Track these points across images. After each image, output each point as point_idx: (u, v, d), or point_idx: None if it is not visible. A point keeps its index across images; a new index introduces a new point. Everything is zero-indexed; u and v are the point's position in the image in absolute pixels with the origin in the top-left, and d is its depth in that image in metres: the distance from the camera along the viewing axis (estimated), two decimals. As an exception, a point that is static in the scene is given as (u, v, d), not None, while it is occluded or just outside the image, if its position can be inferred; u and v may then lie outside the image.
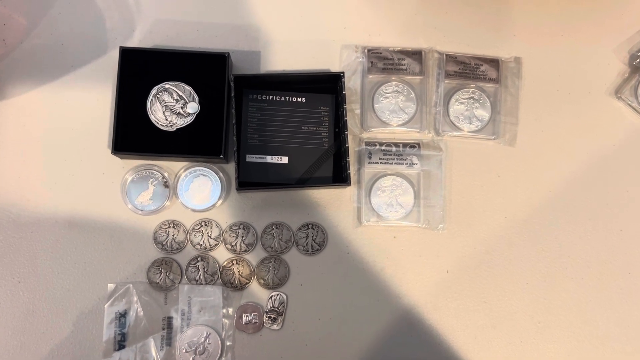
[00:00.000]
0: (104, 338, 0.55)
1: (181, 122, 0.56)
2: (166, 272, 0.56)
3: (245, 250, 0.57)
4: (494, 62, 0.62)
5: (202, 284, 0.57)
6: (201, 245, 0.57)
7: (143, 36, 0.61)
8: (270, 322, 0.57)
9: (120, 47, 0.57)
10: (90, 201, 0.57)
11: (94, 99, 0.59)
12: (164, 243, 0.57)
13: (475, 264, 0.59)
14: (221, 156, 0.55)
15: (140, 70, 0.57)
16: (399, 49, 0.61)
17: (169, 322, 0.56)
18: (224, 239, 0.57)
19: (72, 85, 0.59)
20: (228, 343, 0.56)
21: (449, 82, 0.61)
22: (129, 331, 0.56)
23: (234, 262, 0.57)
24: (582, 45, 0.64)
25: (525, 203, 0.61)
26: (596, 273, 0.60)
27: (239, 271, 0.57)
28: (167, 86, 0.57)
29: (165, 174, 0.57)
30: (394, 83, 0.60)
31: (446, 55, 0.61)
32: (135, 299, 0.56)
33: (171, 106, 0.56)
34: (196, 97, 0.57)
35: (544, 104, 0.63)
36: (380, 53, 0.61)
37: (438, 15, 0.63)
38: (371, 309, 0.58)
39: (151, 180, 0.57)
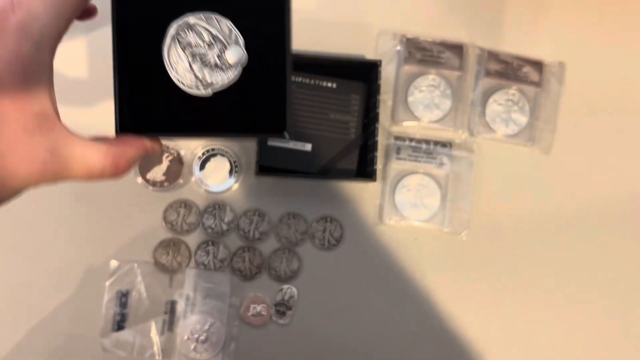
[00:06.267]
0: (103, 317, 0.52)
1: (219, 80, 0.34)
2: (174, 254, 0.53)
3: (259, 239, 0.54)
4: (537, 65, 0.58)
5: (210, 269, 0.54)
6: (213, 229, 0.54)
7: None
8: (278, 315, 0.54)
9: None
10: (99, 172, 0.54)
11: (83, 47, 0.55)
12: (174, 223, 0.54)
13: (497, 275, 0.57)
14: (285, 134, 0.34)
15: None
16: (439, 40, 0.57)
17: (172, 307, 0.53)
18: (238, 224, 0.54)
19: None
20: (232, 334, 0.53)
21: (488, 80, 0.58)
22: (130, 312, 0.53)
23: (246, 249, 0.54)
24: (629, 55, 0.60)
25: (555, 216, 0.58)
26: (623, 297, 0.57)
27: (250, 259, 0.54)
28: (192, 21, 0.34)
29: (182, 151, 0.54)
30: (430, 76, 0.57)
31: (488, 52, 0.58)
32: (139, 279, 0.53)
33: (201, 54, 0.34)
34: (240, 38, 0.34)
35: (584, 113, 0.59)
36: (420, 43, 0.57)
37: (483, 9, 0.59)
38: (385, 311, 0.55)
39: (166, 155, 0.54)
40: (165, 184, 0.53)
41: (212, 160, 0.54)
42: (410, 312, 0.55)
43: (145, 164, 0.54)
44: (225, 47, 0.34)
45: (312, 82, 0.55)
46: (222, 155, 0.54)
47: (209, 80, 0.34)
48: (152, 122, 0.35)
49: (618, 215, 0.58)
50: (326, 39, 0.57)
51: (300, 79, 0.55)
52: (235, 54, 0.34)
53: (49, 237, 0.53)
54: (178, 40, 0.34)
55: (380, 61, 0.53)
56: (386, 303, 0.55)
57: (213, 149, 0.54)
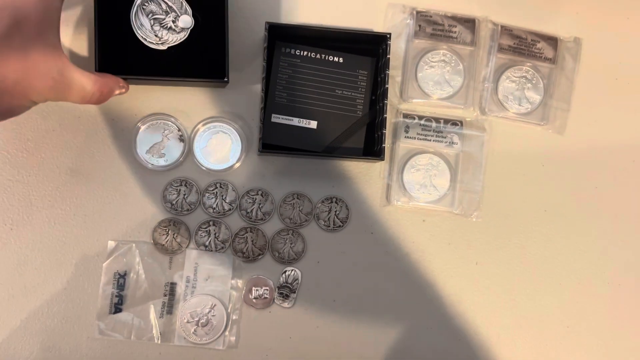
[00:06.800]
0: (100, 299, 0.51)
1: (173, 39, 0.48)
2: (173, 234, 0.51)
3: (262, 219, 0.52)
4: (552, 40, 0.56)
5: (211, 250, 0.52)
6: (214, 208, 0.52)
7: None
8: (281, 299, 0.52)
9: None
10: (96, 148, 0.51)
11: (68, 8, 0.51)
12: (174, 202, 0.52)
13: (508, 258, 0.55)
14: (225, 79, 0.48)
15: None
16: (450, 14, 0.55)
17: (171, 289, 0.51)
18: (240, 204, 0.52)
19: None
20: (234, 317, 0.52)
21: (501, 56, 0.55)
22: (128, 294, 0.51)
23: (248, 230, 0.52)
24: (648, 31, 0.58)
25: (568, 198, 0.56)
26: (636, 281, 0.55)
27: (252, 241, 0.52)
28: None
29: (182, 127, 0.52)
30: (441, 52, 0.54)
31: (501, 26, 0.55)
32: (137, 260, 0.51)
33: (160, 19, 0.47)
34: (189, 10, 0.48)
35: (599, 92, 0.57)
36: (430, 17, 0.54)
37: (497, -18, 0.57)
38: (391, 295, 0.53)
39: (165, 132, 0.52)
40: (164, 161, 0.51)
41: (214, 137, 0.52)
42: (418, 296, 0.54)
43: (144, 140, 0.51)
44: (178, 15, 0.47)
45: (318, 56, 0.53)
46: (224, 132, 0.52)
47: (165, 38, 0.48)
48: (122, 67, 0.47)
49: (634, 198, 0.56)
50: (332, 11, 0.54)
51: (305, 53, 0.53)
52: (185, 21, 0.47)
53: (44, 215, 0.51)
54: (143, 8, 0.47)
55: (389, 34, 0.51)
56: (393, 286, 0.53)
57: (214, 126, 0.52)
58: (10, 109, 0.36)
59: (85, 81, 0.39)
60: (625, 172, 0.56)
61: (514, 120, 0.55)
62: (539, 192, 0.55)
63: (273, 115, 0.52)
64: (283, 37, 0.53)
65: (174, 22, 0.47)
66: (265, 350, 0.52)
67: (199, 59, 0.49)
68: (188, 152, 0.52)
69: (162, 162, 0.51)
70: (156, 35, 0.47)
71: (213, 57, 0.49)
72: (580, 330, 0.55)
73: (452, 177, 0.54)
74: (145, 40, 0.47)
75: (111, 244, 0.51)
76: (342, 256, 0.53)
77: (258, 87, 0.52)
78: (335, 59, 0.53)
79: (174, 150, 0.52)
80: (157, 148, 0.51)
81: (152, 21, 0.47)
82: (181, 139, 0.52)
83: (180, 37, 0.48)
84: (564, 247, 0.55)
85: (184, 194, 0.52)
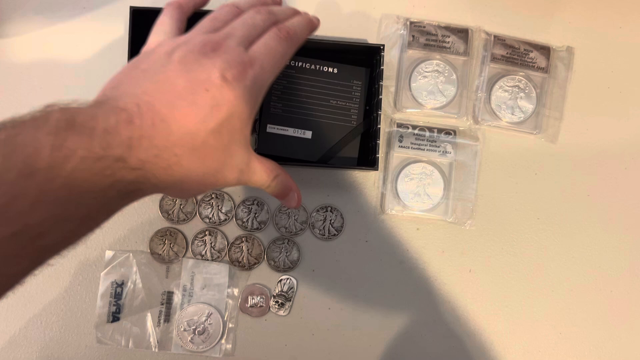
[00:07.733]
0: (98, 308, 0.51)
1: None
2: (170, 244, 0.52)
3: (257, 228, 0.53)
4: (545, 50, 0.57)
5: (207, 259, 0.52)
6: (210, 218, 0.52)
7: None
8: (277, 307, 0.53)
9: (131, 7, 0.48)
10: (93, 159, 0.52)
11: (107, 45, 0.53)
12: (170, 212, 0.52)
13: (501, 266, 0.55)
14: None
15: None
16: (444, 24, 0.55)
17: (168, 297, 0.52)
18: (236, 214, 0.53)
19: (84, 27, 0.54)
20: (230, 325, 0.52)
21: (494, 66, 0.56)
22: (125, 303, 0.52)
23: (244, 239, 0.53)
24: (640, 40, 0.59)
25: (560, 205, 0.56)
26: (628, 288, 0.56)
27: (248, 250, 0.53)
28: None
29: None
30: (435, 62, 0.55)
31: (494, 36, 0.56)
32: (134, 269, 0.52)
33: None
34: None
35: (592, 100, 0.58)
36: (424, 27, 0.55)
37: (490, -8, 0.57)
38: (385, 302, 0.54)
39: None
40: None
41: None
42: (412, 303, 0.54)
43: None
44: None
45: (313, 67, 0.54)
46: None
47: None
48: None
49: (626, 205, 0.57)
50: (327, 22, 0.55)
51: (300, 64, 0.53)
52: None
53: (41, 226, 0.51)
54: None
55: (383, 45, 0.51)
56: (387, 294, 0.54)
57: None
58: (196, 194, 0.37)
59: (263, 171, 0.39)
60: (617, 180, 0.57)
61: (507, 129, 0.56)
62: (531, 200, 0.56)
63: (268, 125, 0.53)
64: (278, 48, 0.53)
65: None
66: (262, 358, 0.53)
67: None
68: (184, 163, 0.52)
69: (158, 172, 0.52)
70: None
71: None
72: (572, 337, 0.55)
73: (446, 186, 0.55)
74: None
75: (109, 253, 0.52)
76: (337, 264, 0.54)
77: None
78: (330, 69, 0.54)
79: (171, 161, 0.52)
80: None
81: None
82: (177, 149, 0.52)
83: None
84: (556, 254, 0.56)
85: (181, 204, 0.52)
